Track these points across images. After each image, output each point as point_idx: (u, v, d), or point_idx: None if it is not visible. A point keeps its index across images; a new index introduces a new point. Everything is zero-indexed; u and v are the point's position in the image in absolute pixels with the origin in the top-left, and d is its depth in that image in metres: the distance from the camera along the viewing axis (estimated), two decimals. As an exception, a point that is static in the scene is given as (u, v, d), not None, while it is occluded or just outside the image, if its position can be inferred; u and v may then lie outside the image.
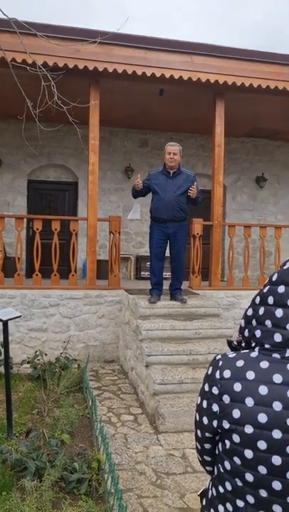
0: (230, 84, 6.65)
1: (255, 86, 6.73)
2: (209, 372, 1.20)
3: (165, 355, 4.97)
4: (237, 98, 7.25)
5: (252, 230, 7.60)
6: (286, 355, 1.08)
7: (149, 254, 6.08)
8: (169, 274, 6.10)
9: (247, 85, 6.70)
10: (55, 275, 6.58)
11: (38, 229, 6.55)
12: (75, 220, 6.94)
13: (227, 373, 1.14)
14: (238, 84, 6.67)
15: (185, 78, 6.52)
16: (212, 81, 6.60)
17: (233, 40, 34.88)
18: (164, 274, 6.14)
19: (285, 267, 1.13)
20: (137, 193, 5.86)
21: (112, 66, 6.25)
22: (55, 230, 6.60)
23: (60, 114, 5.00)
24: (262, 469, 1.05)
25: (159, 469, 3.50)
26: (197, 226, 6.94)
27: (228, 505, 1.14)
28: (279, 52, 6.88)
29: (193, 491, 3.18)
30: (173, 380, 4.62)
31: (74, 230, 6.73)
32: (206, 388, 1.19)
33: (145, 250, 9.32)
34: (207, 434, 1.21)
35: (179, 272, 5.86)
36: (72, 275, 6.67)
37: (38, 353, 5.56)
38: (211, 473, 1.27)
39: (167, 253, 5.90)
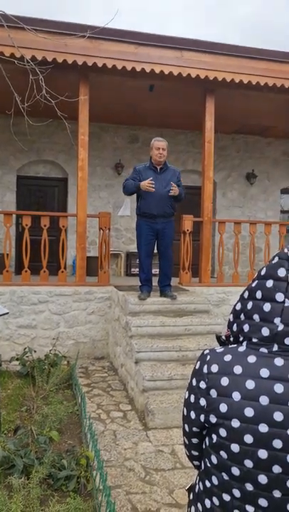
0: (220, 80, 6.64)
1: (246, 82, 6.73)
2: (197, 366, 1.19)
3: (155, 351, 4.96)
4: (227, 94, 7.25)
5: (242, 227, 7.62)
6: (273, 349, 1.07)
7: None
8: (157, 270, 6.06)
9: (237, 81, 6.70)
10: (44, 272, 6.53)
11: (27, 225, 6.49)
12: (64, 217, 6.89)
13: (214, 368, 1.13)
14: (228, 80, 6.66)
15: (175, 74, 6.50)
16: (202, 77, 6.59)
17: (223, 36, 34.92)
18: (153, 270, 6.12)
19: (273, 262, 1.12)
20: (132, 191, 5.73)
21: (102, 61, 6.21)
22: (45, 226, 6.55)
23: (49, 109, 4.95)
24: (248, 463, 1.05)
25: (148, 465, 3.49)
26: (187, 222, 6.94)
27: (215, 500, 1.13)
28: (269, 48, 6.89)
29: (182, 486, 3.18)
30: (162, 376, 4.62)
31: (63, 227, 6.68)
32: (194, 383, 1.18)
33: (135, 247, 9.28)
34: (194, 429, 1.20)
35: (167, 268, 5.85)
36: (62, 272, 6.63)
37: (27, 349, 5.53)
38: (198, 467, 1.27)
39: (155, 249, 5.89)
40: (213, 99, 7.12)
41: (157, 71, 6.42)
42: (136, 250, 9.04)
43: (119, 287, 6.52)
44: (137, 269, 6.51)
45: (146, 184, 5.44)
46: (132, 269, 9.04)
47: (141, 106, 8.20)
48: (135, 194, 5.84)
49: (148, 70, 6.39)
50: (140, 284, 5.90)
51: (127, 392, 5.10)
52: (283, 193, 10.82)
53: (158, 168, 5.64)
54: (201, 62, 6.58)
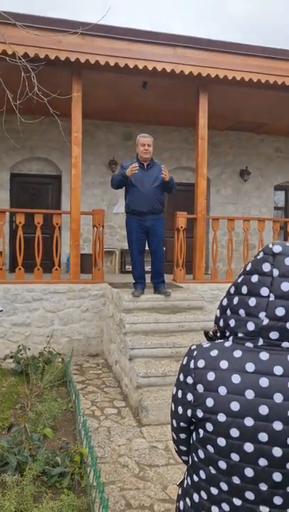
0: (213, 76, 6.64)
1: (239, 79, 6.73)
2: (184, 362, 1.20)
3: (149, 348, 4.98)
4: (220, 91, 7.25)
5: (235, 223, 7.63)
6: (259, 343, 1.08)
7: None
8: (150, 267, 6.06)
9: (230, 78, 6.70)
10: (38, 269, 6.52)
11: (20, 223, 6.48)
12: (58, 214, 6.88)
13: (201, 363, 1.14)
14: (221, 77, 6.66)
15: (168, 70, 6.49)
16: (195, 73, 6.58)
17: (216, 33, 34.88)
18: (146, 267, 6.13)
19: (258, 257, 1.13)
20: (121, 183, 5.68)
21: (94, 58, 6.19)
22: (38, 223, 6.54)
23: (41, 106, 4.93)
24: (234, 457, 1.06)
25: (141, 461, 3.51)
26: (181, 219, 6.94)
27: (203, 493, 1.14)
28: (262, 45, 6.89)
29: (175, 482, 3.19)
30: (156, 372, 4.63)
31: (57, 224, 6.68)
32: (181, 378, 1.19)
33: (129, 244, 9.30)
34: (182, 424, 1.21)
35: (159, 265, 5.85)
36: (56, 269, 6.63)
37: (21, 347, 5.53)
38: (187, 462, 1.28)
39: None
40: (206, 96, 7.12)
41: (150, 68, 6.41)
42: (130, 247, 9.07)
43: (113, 284, 6.53)
44: (131, 267, 6.50)
45: (130, 169, 5.43)
46: (127, 267, 9.03)
47: (134, 103, 8.19)
48: (124, 192, 5.82)
49: (141, 67, 6.38)
50: (134, 282, 5.90)
51: (121, 389, 5.11)
52: (277, 189, 10.85)
53: (145, 164, 5.63)
54: (194, 59, 6.58)
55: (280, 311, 1.05)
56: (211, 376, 1.10)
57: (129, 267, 8.81)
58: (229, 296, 1.18)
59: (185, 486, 1.23)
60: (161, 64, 6.44)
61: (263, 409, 1.03)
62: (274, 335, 1.06)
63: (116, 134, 9.62)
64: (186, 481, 1.23)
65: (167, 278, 6.19)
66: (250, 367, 1.06)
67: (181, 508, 1.22)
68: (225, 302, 1.19)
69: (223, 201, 10.29)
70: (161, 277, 5.90)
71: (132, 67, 6.34)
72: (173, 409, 1.24)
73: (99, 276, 6.76)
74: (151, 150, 5.59)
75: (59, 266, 6.75)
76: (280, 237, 9.39)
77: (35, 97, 4.50)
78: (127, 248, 9.24)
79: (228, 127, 9.83)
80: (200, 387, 1.12)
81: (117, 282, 6.78)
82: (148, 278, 6.00)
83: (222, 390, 1.07)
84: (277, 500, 1.04)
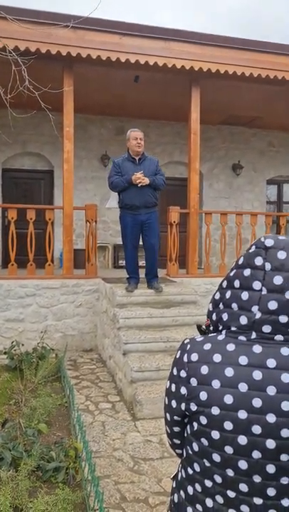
0: (205, 70, 6.63)
1: (231, 73, 6.72)
2: (177, 356, 1.20)
3: (142, 342, 4.99)
4: (213, 85, 7.24)
5: (228, 218, 7.65)
6: (252, 337, 1.08)
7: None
8: (143, 262, 6.06)
9: (222, 72, 6.69)
10: (31, 265, 6.50)
11: (13, 218, 6.44)
12: (50, 209, 6.85)
13: (194, 356, 1.14)
14: (214, 70, 6.65)
15: (160, 64, 6.46)
16: (187, 67, 6.57)
17: (208, 26, 34.75)
18: (140, 262, 6.13)
19: (250, 251, 1.13)
20: (123, 187, 5.59)
21: (86, 51, 6.15)
22: (31, 219, 6.51)
23: (33, 101, 4.89)
24: (228, 449, 1.06)
25: (136, 455, 3.52)
26: (174, 214, 6.95)
27: (197, 486, 1.15)
28: (255, 39, 6.88)
29: (170, 475, 3.22)
30: (150, 367, 4.65)
31: (50, 219, 6.65)
32: (175, 372, 1.19)
33: (123, 239, 9.29)
34: (176, 417, 1.22)
35: (153, 260, 5.84)
36: (49, 265, 6.61)
37: (14, 343, 5.51)
38: (180, 456, 1.29)
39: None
40: (198, 90, 7.11)
41: (142, 62, 6.38)
42: (123, 242, 9.06)
43: (106, 279, 6.53)
44: (125, 261, 6.49)
45: (138, 178, 5.39)
46: (120, 262, 9.03)
47: (127, 97, 8.15)
48: None
49: (133, 61, 6.35)
50: (128, 276, 5.90)
51: (116, 384, 5.12)
52: (269, 183, 10.88)
53: (136, 159, 5.62)
54: (186, 53, 6.56)
55: (272, 305, 1.06)
56: (204, 370, 1.11)
57: (122, 262, 8.81)
58: (222, 290, 1.18)
59: (179, 479, 1.24)
60: (153, 58, 6.42)
61: (257, 402, 1.04)
62: (267, 328, 1.07)
63: (108, 129, 9.58)
64: (180, 474, 1.24)
65: (160, 272, 6.19)
66: (243, 360, 1.07)
67: (176, 500, 1.22)
68: (217, 296, 1.19)
69: (215, 195, 10.30)
70: (155, 272, 5.89)
71: (123, 61, 6.31)
72: (166, 402, 1.24)
73: (92, 271, 6.76)
74: (143, 143, 5.59)
75: (52, 261, 6.73)
76: (273, 231, 9.43)
77: (27, 91, 4.46)
78: (120, 243, 9.26)
79: (220, 121, 9.83)
80: (193, 381, 1.12)
81: (111, 277, 6.77)
82: (142, 273, 6.00)
83: (215, 384, 1.08)
84: (271, 492, 1.05)
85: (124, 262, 6.19)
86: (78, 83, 6.72)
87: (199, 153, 7.33)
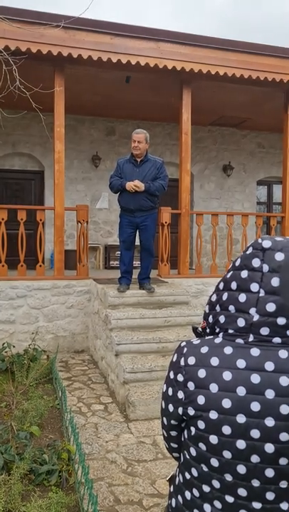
0: (196, 71, 6.63)
1: (222, 74, 6.73)
2: (174, 359, 1.19)
3: (135, 343, 4.98)
4: (204, 86, 7.25)
5: (219, 218, 7.66)
6: (249, 340, 1.08)
7: (118, 243, 6.04)
8: (139, 263, 6.06)
9: (213, 73, 6.70)
10: (22, 266, 6.45)
11: (3, 219, 6.39)
12: (41, 210, 6.81)
13: (191, 360, 1.13)
14: (205, 72, 6.66)
15: (151, 65, 6.45)
16: (178, 68, 6.57)
17: (198, 27, 34.83)
18: (134, 263, 6.12)
19: (247, 252, 1.12)
20: (118, 190, 5.65)
21: (77, 51, 6.12)
22: (21, 219, 6.46)
23: (23, 101, 4.86)
24: (227, 454, 1.06)
25: (129, 457, 3.51)
26: (165, 214, 6.94)
27: (195, 491, 1.14)
28: (246, 40, 6.90)
29: (163, 476, 3.21)
30: (143, 368, 4.63)
31: (41, 220, 6.61)
32: (171, 376, 1.18)
33: (114, 239, 9.29)
34: (173, 422, 1.20)
35: (147, 262, 5.84)
36: (40, 266, 6.57)
37: (5, 345, 5.47)
38: (178, 459, 1.28)
39: (137, 242, 5.87)
40: (189, 91, 7.11)
41: (133, 62, 6.37)
42: (114, 243, 9.06)
43: (98, 280, 6.50)
44: (116, 262, 6.50)
45: (131, 186, 5.39)
46: (111, 262, 9.01)
47: (118, 98, 8.14)
48: (107, 187, 5.80)
49: (124, 62, 6.33)
50: (120, 276, 5.89)
51: (108, 385, 5.10)
52: (259, 184, 10.93)
53: (138, 160, 5.60)
54: (177, 54, 6.56)
55: (270, 307, 1.05)
56: (201, 373, 1.09)
57: (113, 263, 8.81)
58: (218, 291, 1.17)
59: (177, 483, 1.22)
60: (144, 58, 6.40)
61: (255, 406, 1.03)
62: (265, 331, 1.06)
63: (99, 129, 9.56)
64: (177, 478, 1.23)
65: (152, 273, 6.18)
66: (241, 363, 1.06)
67: (174, 505, 1.21)
68: (214, 298, 1.19)
69: (206, 196, 10.33)
70: (147, 273, 5.89)
71: (115, 61, 6.29)
72: (163, 406, 1.23)
73: (83, 272, 6.73)
74: (141, 146, 5.51)
75: (43, 262, 6.69)
76: (263, 231, 9.48)
77: (17, 90, 4.43)
78: (111, 244, 9.28)
79: (211, 123, 9.86)
80: (191, 385, 1.11)
81: (102, 278, 6.75)
82: (136, 273, 5.99)
83: (213, 387, 1.07)
84: (270, 496, 1.04)
85: (115, 262, 6.18)
86: (69, 83, 6.69)
87: (190, 154, 7.33)
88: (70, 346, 6.52)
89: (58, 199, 6.61)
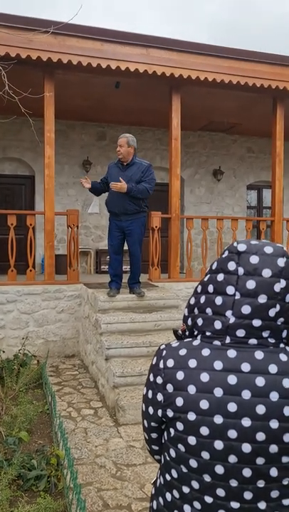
0: (185, 77, 6.69)
1: (210, 80, 6.80)
2: (154, 362, 1.21)
3: (125, 347, 4.98)
4: (193, 92, 7.31)
5: (209, 223, 7.71)
6: (226, 341, 1.09)
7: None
8: (127, 267, 6.06)
9: (202, 79, 6.76)
10: (12, 271, 6.44)
11: (-7, 224, 6.38)
12: (31, 215, 6.80)
13: (170, 362, 1.14)
14: (194, 77, 6.72)
15: (141, 71, 6.50)
16: (168, 74, 6.62)
17: (188, 33, 35.07)
18: (125, 267, 6.12)
19: (223, 256, 1.14)
20: (94, 191, 5.76)
21: (67, 57, 6.14)
22: (12, 224, 6.45)
23: (13, 106, 4.88)
24: (205, 455, 1.07)
25: (119, 461, 3.51)
26: (155, 219, 6.97)
27: (175, 492, 1.15)
28: (234, 47, 6.98)
29: (152, 480, 3.21)
30: (133, 372, 4.64)
31: (31, 225, 6.60)
32: (151, 378, 1.19)
33: (105, 244, 9.26)
34: (153, 424, 1.22)
35: (135, 266, 5.81)
36: (30, 270, 6.56)
37: (-5, 350, 5.45)
38: (159, 461, 1.29)
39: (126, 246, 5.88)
40: (179, 97, 7.17)
41: (123, 68, 6.41)
42: (106, 248, 9.04)
43: (88, 285, 6.50)
44: (108, 267, 6.48)
45: (113, 184, 5.39)
46: (102, 267, 9.01)
47: (108, 103, 8.17)
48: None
49: (114, 67, 6.37)
50: (110, 281, 5.89)
51: (98, 390, 5.10)
52: (249, 188, 11.01)
53: (124, 164, 5.62)
54: (166, 60, 6.61)
55: (246, 309, 1.07)
56: (180, 375, 1.11)
57: (104, 267, 8.81)
58: (196, 295, 1.19)
59: (158, 485, 1.24)
60: (133, 64, 6.45)
61: (232, 407, 1.04)
62: (241, 332, 1.08)
63: (90, 135, 9.58)
64: (158, 480, 1.24)
65: (143, 277, 6.19)
66: (218, 365, 1.08)
67: (155, 507, 1.22)
68: (192, 301, 1.20)
69: (197, 201, 10.38)
70: (136, 277, 5.88)
71: (104, 67, 6.33)
72: (144, 409, 1.24)
73: (74, 276, 6.72)
74: (122, 150, 5.48)
75: (33, 267, 6.68)
76: (253, 235, 9.54)
77: (6, 95, 4.45)
78: (102, 248, 9.28)
79: (201, 128, 9.92)
80: (169, 387, 1.13)
81: (93, 282, 6.75)
82: (126, 278, 5.99)
83: (191, 389, 1.08)
84: (248, 495, 1.06)
85: (106, 267, 6.18)
86: (59, 89, 6.72)
87: (180, 159, 7.38)
88: (61, 351, 6.50)
89: (48, 204, 6.61)
